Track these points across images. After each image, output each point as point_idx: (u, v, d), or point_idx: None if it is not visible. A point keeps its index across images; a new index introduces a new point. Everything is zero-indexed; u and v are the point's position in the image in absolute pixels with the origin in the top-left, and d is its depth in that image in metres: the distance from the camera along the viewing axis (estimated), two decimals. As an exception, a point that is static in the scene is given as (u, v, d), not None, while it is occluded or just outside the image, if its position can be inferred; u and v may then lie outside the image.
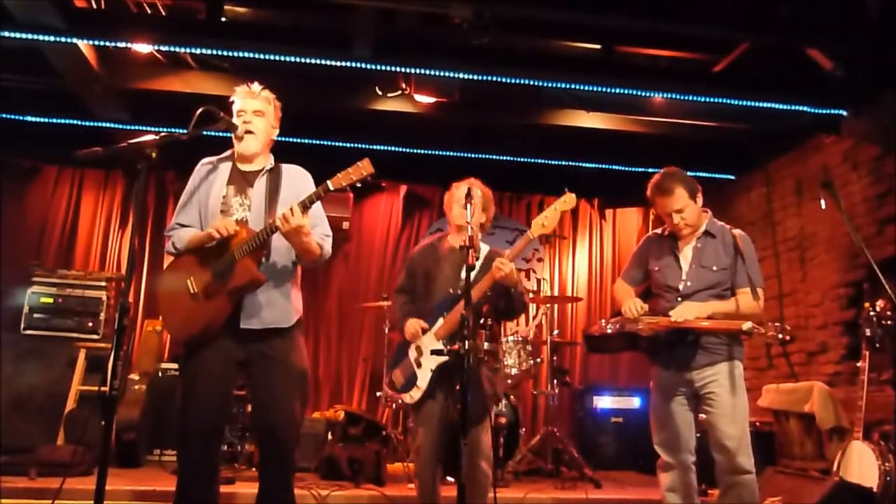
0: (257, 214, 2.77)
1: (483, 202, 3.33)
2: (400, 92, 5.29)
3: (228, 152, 2.93)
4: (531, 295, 6.12)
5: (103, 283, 5.55)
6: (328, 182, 2.62)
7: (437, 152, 6.25)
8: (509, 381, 5.27)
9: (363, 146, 5.98)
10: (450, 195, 3.41)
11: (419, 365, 3.22)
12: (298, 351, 2.81)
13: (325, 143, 6.00)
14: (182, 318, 2.76)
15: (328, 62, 4.64)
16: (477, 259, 3.22)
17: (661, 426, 3.19)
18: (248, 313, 2.71)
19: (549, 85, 4.94)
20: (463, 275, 3.20)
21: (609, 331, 3.25)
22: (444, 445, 3.22)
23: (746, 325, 2.92)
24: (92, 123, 5.72)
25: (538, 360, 5.38)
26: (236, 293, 2.69)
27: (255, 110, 2.86)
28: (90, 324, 5.40)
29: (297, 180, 2.90)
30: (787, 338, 2.93)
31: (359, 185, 2.62)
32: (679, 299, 3.14)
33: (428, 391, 3.18)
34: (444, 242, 3.44)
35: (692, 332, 3.06)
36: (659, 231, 3.41)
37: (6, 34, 4.34)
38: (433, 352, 3.18)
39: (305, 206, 2.62)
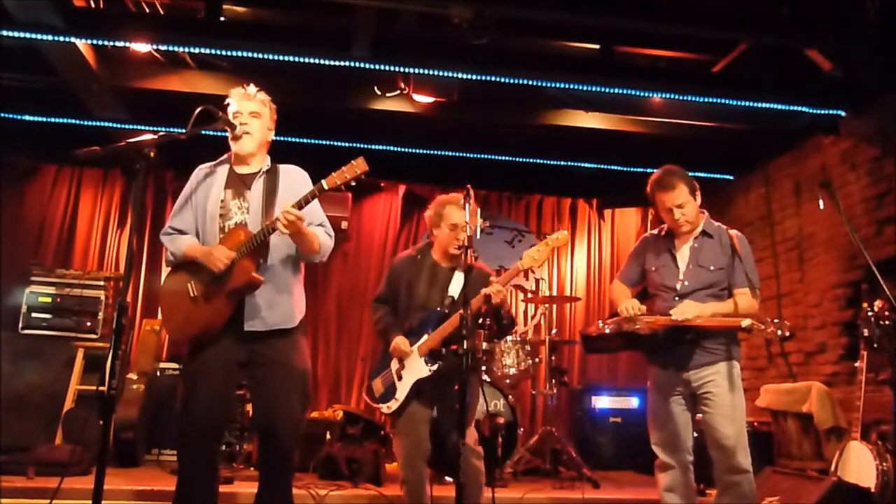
0: (255, 216, 2.78)
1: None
2: (399, 92, 5.28)
3: (225, 156, 2.94)
4: (530, 294, 6.14)
5: (102, 283, 5.55)
6: (322, 181, 2.63)
7: (435, 152, 6.25)
8: (508, 381, 5.28)
9: (362, 146, 5.97)
10: (438, 214, 3.44)
11: (399, 377, 3.29)
12: (300, 352, 2.82)
13: (324, 142, 6.00)
14: (182, 319, 2.77)
15: (327, 62, 4.63)
16: (455, 271, 3.29)
17: (658, 426, 3.19)
18: (250, 315, 2.72)
19: (548, 85, 4.93)
20: (453, 285, 3.30)
21: (607, 331, 3.26)
22: (428, 447, 3.26)
23: (746, 322, 2.92)
24: (90, 123, 5.71)
25: (536, 359, 5.39)
26: (235, 294, 2.69)
27: (251, 112, 2.87)
28: (88, 323, 5.40)
29: (295, 180, 2.91)
30: (787, 334, 2.94)
31: (353, 183, 2.63)
32: (676, 298, 3.14)
33: (405, 403, 3.25)
34: (428, 257, 3.48)
35: (691, 330, 3.06)
36: (655, 231, 3.42)
37: (5, 33, 4.32)
38: (432, 353, 3.21)
39: (300, 207, 2.63)
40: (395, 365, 3.32)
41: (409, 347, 3.28)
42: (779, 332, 2.92)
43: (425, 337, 3.26)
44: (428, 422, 3.27)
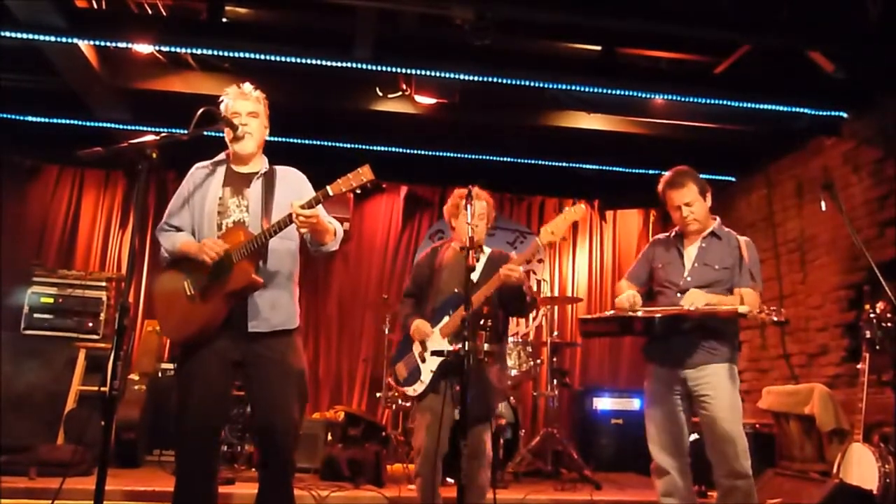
0: (255, 217, 2.78)
1: (487, 209, 3.37)
2: (400, 93, 5.28)
3: (222, 155, 2.94)
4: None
5: (103, 283, 5.56)
6: (328, 188, 2.62)
7: (437, 153, 6.25)
8: (509, 382, 5.28)
9: (364, 147, 5.97)
10: (453, 207, 3.44)
11: (423, 360, 3.29)
12: (296, 352, 2.81)
13: (326, 143, 5.99)
14: (178, 319, 2.76)
15: (329, 63, 4.64)
16: (478, 260, 3.26)
17: (655, 426, 3.19)
18: (253, 316, 2.71)
19: (550, 86, 4.93)
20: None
21: (604, 314, 3.27)
22: (446, 445, 3.24)
23: (743, 308, 2.92)
24: (93, 123, 5.72)
25: (538, 361, 5.39)
26: (233, 296, 2.69)
27: (249, 112, 2.85)
28: (90, 324, 5.40)
29: (293, 181, 2.91)
30: (783, 319, 2.94)
31: (358, 191, 2.63)
32: (678, 294, 3.15)
33: (430, 386, 3.24)
34: (448, 247, 3.52)
35: (689, 319, 3.05)
36: (665, 234, 3.44)
37: (7, 34, 4.33)
38: (433, 353, 3.21)
39: (309, 208, 2.63)
40: (416, 348, 3.32)
41: (430, 329, 3.28)
42: (774, 319, 2.92)
43: (446, 319, 3.26)
44: (447, 421, 3.24)
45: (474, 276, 3.24)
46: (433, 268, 3.46)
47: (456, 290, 3.28)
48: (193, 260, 2.74)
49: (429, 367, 3.26)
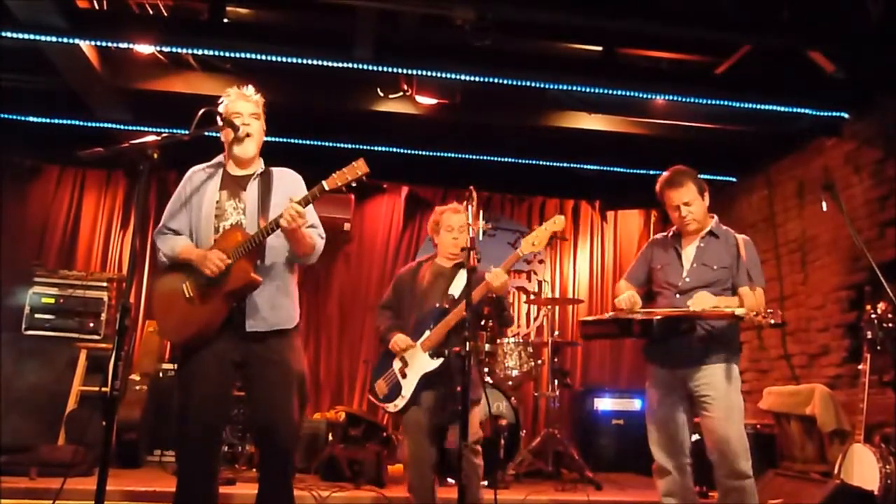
0: (252, 218, 2.78)
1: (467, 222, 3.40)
2: (401, 93, 5.28)
3: (219, 158, 2.94)
4: (532, 296, 6.14)
5: (104, 284, 5.56)
6: (323, 182, 2.62)
7: (438, 154, 6.25)
8: (510, 383, 5.28)
9: (364, 147, 5.97)
10: (434, 224, 3.46)
11: (404, 375, 3.30)
12: (296, 352, 2.82)
13: (327, 144, 5.99)
14: (177, 321, 2.76)
15: (330, 63, 4.64)
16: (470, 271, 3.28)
17: (656, 427, 3.20)
18: (252, 315, 2.71)
19: (551, 87, 4.93)
20: (455, 284, 3.30)
21: (604, 316, 3.28)
22: (435, 452, 3.27)
23: (740, 311, 2.92)
24: (94, 124, 5.72)
25: (539, 361, 5.38)
26: (233, 296, 2.69)
27: (251, 113, 2.86)
28: (91, 324, 5.41)
29: (289, 182, 2.91)
30: (779, 321, 2.94)
31: (354, 184, 2.63)
32: (677, 295, 3.15)
33: (412, 399, 3.26)
34: (431, 263, 3.54)
35: (687, 320, 3.05)
36: (663, 234, 3.43)
37: (8, 34, 4.34)
38: (434, 353, 3.21)
39: (304, 205, 2.63)
40: (397, 364, 3.34)
41: (410, 343, 3.29)
42: (770, 322, 2.92)
43: (427, 333, 3.27)
44: (432, 430, 3.28)
45: (455, 292, 3.32)
46: (415, 281, 3.48)
47: (437, 305, 3.32)
48: (192, 263, 2.74)
49: (411, 381, 3.28)
